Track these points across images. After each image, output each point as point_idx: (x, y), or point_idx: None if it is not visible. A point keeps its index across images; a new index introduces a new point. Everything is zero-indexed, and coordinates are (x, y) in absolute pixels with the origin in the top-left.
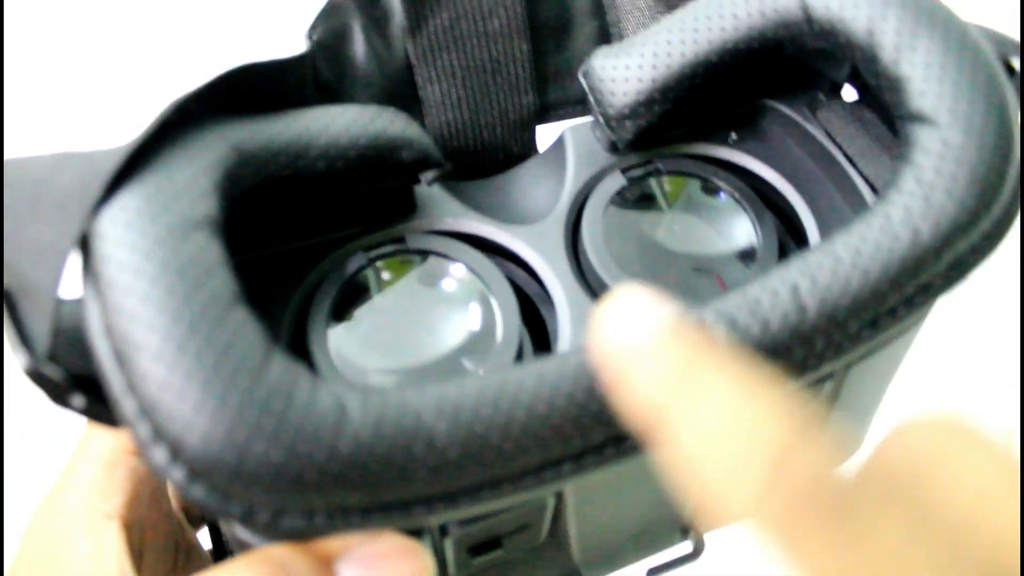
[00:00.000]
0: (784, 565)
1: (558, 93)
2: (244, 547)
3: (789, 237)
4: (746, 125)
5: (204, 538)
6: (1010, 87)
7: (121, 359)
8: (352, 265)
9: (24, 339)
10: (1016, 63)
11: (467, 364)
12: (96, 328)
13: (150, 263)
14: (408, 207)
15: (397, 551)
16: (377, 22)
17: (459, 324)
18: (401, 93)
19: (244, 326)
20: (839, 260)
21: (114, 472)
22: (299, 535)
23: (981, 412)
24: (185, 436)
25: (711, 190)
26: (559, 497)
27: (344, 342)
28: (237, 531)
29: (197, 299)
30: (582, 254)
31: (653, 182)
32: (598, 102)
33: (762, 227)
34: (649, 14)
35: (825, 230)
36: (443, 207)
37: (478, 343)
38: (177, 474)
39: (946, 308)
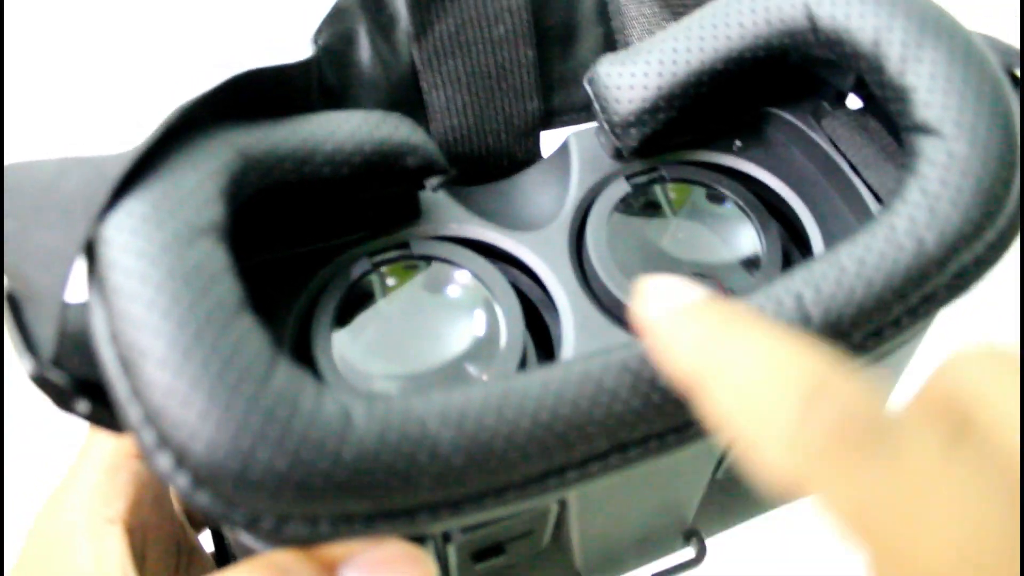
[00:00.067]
0: (824, 507)
1: (563, 99)
2: (247, 552)
3: (793, 245)
4: (750, 133)
5: (206, 540)
6: (1015, 98)
7: (126, 365)
8: (356, 270)
9: (29, 344)
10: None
11: (471, 370)
12: (101, 334)
13: (156, 269)
14: (413, 212)
15: (400, 557)
16: (383, 27)
17: (463, 330)
18: (406, 98)
19: (249, 333)
20: (843, 270)
21: (117, 476)
22: (303, 542)
23: None
24: (190, 443)
25: (716, 198)
26: (562, 503)
27: (348, 347)
28: (241, 537)
29: (203, 306)
30: (586, 260)
31: (657, 189)
32: (603, 109)
33: (766, 235)
34: (655, 21)
35: (829, 238)
36: (447, 213)
37: (482, 349)
38: (181, 481)
39: (949, 319)
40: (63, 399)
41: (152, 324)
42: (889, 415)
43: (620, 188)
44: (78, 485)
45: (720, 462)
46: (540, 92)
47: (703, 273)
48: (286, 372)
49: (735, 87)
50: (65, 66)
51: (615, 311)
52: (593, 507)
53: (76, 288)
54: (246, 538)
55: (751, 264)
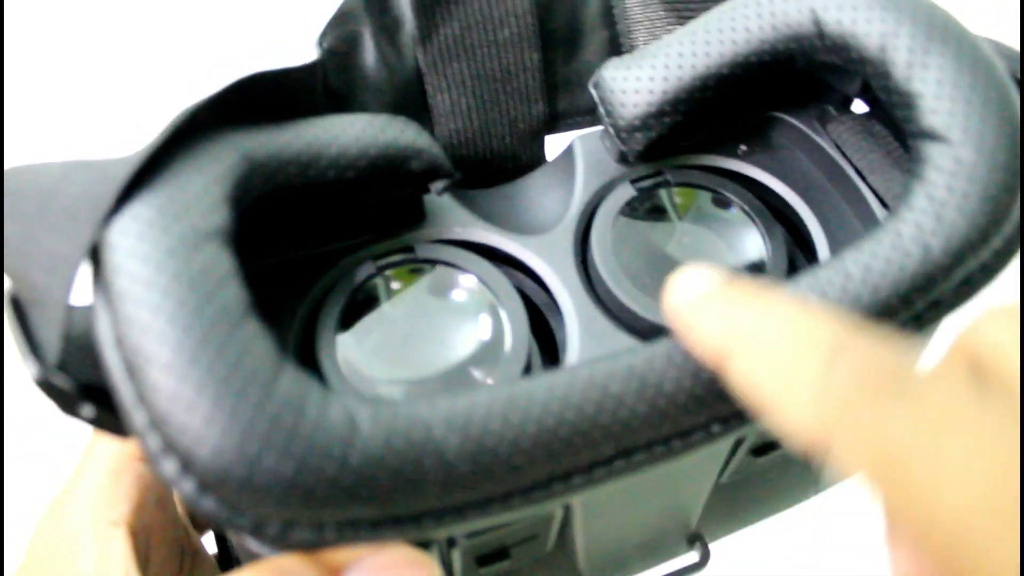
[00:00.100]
0: (848, 458)
1: (567, 103)
2: (251, 556)
3: (798, 250)
4: (755, 137)
5: (209, 542)
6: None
7: (132, 371)
8: (361, 274)
9: (34, 349)
10: None
11: (476, 374)
12: (106, 339)
13: (161, 275)
14: (417, 216)
15: (405, 562)
16: (388, 30)
17: (468, 334)
18: (410, 101)
19: (255, 339)
20: (849, 276)
21: (120, 479)
22: (308, 546)
23: None
24: (196, 449)
25: (721, 202)
26: (567, 508)
27: (352, 351)
28: (246, 541)
29: (208, 311)
30: (591, 264)
31: (663, 193)
32: (608, 113)
33: (772, 240)
34: (660, 24)
35: (834, 243)
36: (452, 216)
37: (487, 353)
38: (187, 486)
39: (954, 326)
40: (68, 404)
41: (157, 329)
42: (914, 365)
43: (625, 192)
44: (82, 488)
45: (725, 466)
46: (545, 95)
47: None
48: (292, 377)
49: (741, 92)
50: (65, 66)
51: (620, 315)
52: (598, 511)
53: (81, 291)
54: (251, 543)
55: (756, 269)
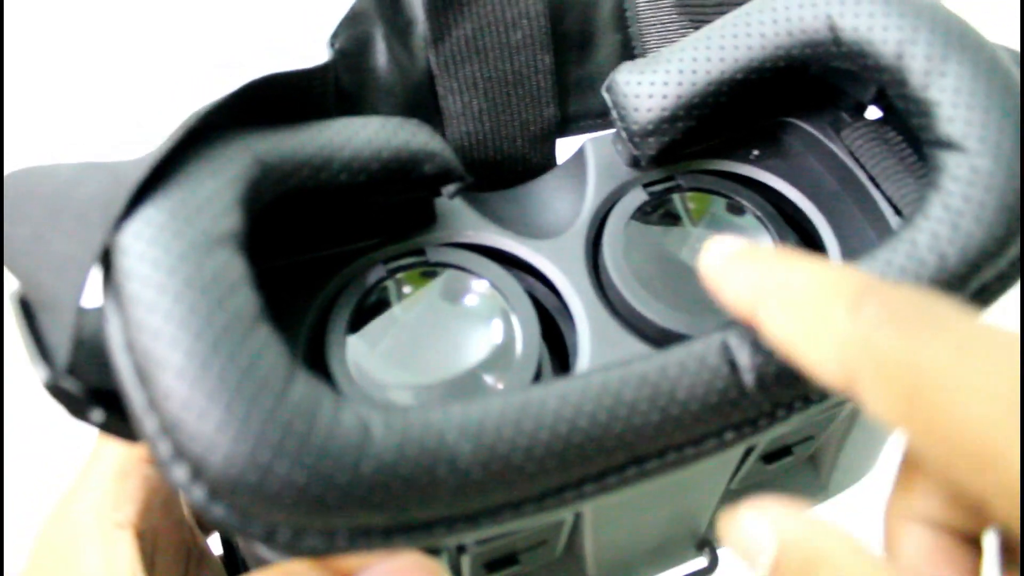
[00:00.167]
0: (874, 397)
1: (579, 105)
2: (260, 560)
3: None
4: (768, 142)
5: (215, 543)
6: None
7: (143, 376)
8: (372, 277)
9: (43, 352)
10: None
11: (487, 380)
12: (117, 343)
13: (173, 279)
14: (428, 219)
15: (415, 568)
16: (400, 31)
17: (479, 339)
18: (422, 103)
19: (267, 344)
20: None
21: (127, 481)
22: (319, 554)
23: None
24: (207, 456)
25: (734, 208)
26: (577, 514)
27: (362, 354)
28: (255, 547)
29: (220, 317)
30: (602, 269)
31: (675, 198)
32: (621, 117)
33: (783, 246)
34: (672, 28)
35: (847, 250)
36: (463, 219)
37: (498, 358)
38: (198, 493)
39: None
40: (77, 408)
41: (169, 335)
42: (936, 299)
43: (637, 197)
44: (88, 489)
45: (735, 472)
46: (556, 98)
47: None
48: (304, 384)
49: (755, 97)
50: (66, 66)
51: (631, 321)
52: (608, 517)
53: (91, 295)
54: (261, 549)
55: None
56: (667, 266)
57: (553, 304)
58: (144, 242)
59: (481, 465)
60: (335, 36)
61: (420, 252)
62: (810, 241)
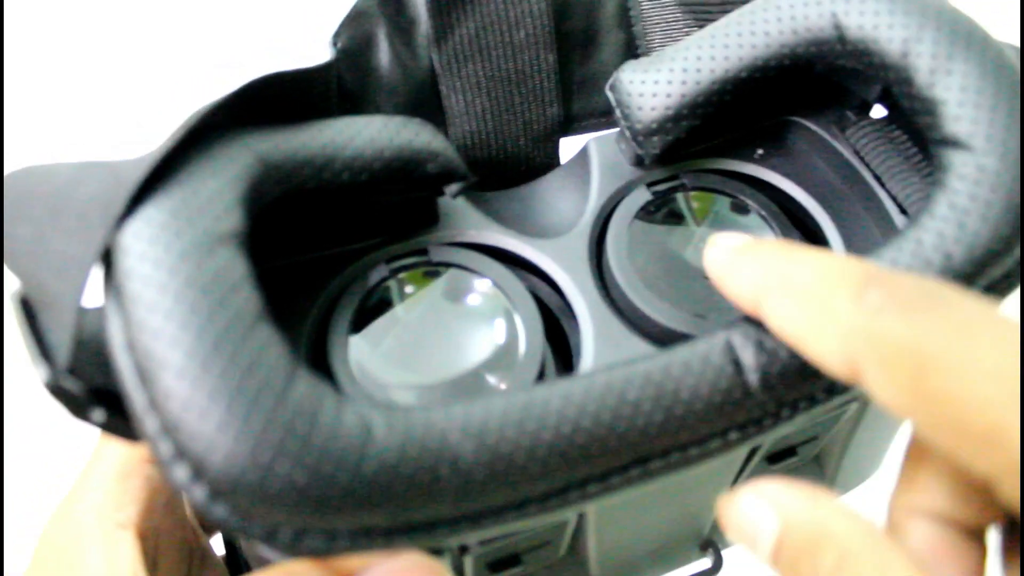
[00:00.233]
0: (880, 384)
1: (582, 104)
2: (261, 560)
3: None
4: (773, 141)
5: (217, 543)
6: None
7: (144, 375)
8: (374, 276)
9: (44, 352)
10: None
11: (489, 380)
12: (118, 343)
13: (174, 279)
14: (431, 218)
15: (417, 568)
16: (402, 30)
17: (482, 339)
18: (425, 102)
19: (268, 344)
20: None
21: (129, 481)
22: (321, 554)
23: None
24: (208, 456)
25: (738, 207)
26: (580, 514)
27: (365, 354)
28: (256, 547)
29: (222, 316)
30: (606, 269)
31: (679, 197)
32: (625, 116)
33: None
34: (676, 26)
35: (852, 249)
36: (466, 219)
37: (501, 358)
38: (199, 493)
39: None
40: (78, 408)
41: (170, 335)
42: (938, 284)
43: (641, 196)
44: (90, 490)
45: (740, 473)
46: (560, 97)
47: None
48: (305, 384)
49: (759, 96)
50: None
51: (635, 321)
52: (611, 518)
53: (92, 294)
54: (263, 549)
55: None
56: (671, 265)
57: (556, 304)
58: (145, 242)
59: (484, 465)
60: (337, 35)
61: (423, 251)
62: (815, 240)
